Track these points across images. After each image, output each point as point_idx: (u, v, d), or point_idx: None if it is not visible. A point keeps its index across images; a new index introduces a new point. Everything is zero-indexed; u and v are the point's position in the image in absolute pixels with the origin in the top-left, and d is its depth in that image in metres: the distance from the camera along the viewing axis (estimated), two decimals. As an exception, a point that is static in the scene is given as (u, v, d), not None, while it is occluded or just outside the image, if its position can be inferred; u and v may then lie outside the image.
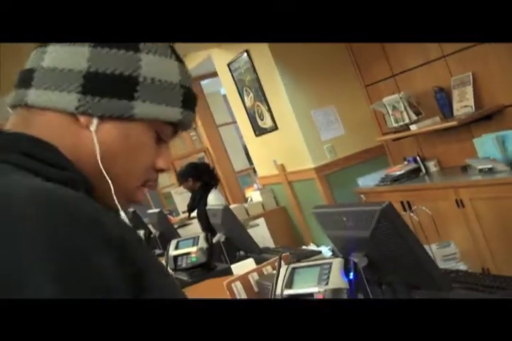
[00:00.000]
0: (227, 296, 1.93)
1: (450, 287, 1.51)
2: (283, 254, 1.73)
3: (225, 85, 5.63)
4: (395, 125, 4.02)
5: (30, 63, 0.75)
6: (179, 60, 0.81)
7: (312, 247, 4.46)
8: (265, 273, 2.03)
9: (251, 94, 5.08)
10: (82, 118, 0.72)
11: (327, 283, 1.49)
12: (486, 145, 3.31)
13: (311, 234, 4.92)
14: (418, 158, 4.11)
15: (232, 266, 2.40)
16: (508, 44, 3.18)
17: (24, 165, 0.64)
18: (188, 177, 4.78)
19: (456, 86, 3.65)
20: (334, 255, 2.76)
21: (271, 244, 4.45)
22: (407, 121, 3.87)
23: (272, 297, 1.60)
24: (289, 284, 1.59)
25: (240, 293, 1.94)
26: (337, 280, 1.48)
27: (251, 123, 5.28)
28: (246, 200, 6.09)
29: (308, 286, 1.53)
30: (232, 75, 5.28)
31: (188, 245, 2.78)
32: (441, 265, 2.06)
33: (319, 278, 1.52)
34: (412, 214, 3.14)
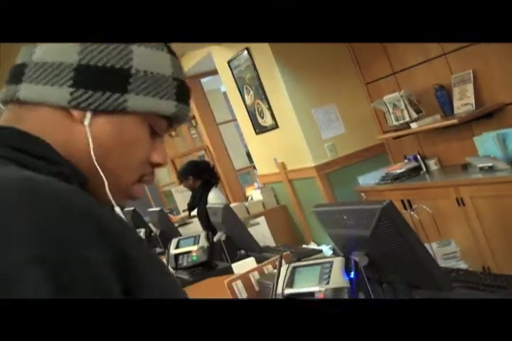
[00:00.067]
0: (228, 295, 1.93)
1: (451, 286, 1.51)
2: (284, 253, 1.73)
3: (225, 83, 5.62)
4: (395, 123, 4.02)
5: (20, 58, 0.74)
6: (171, 52, 0.80)
7: (313, 246, 4.47)
8: (266, 272, 2.03)
9: (251, 92, 5.07)
10: (76, 113, 0.71)
11: (328, 282, 1.49)
12: (487, 143, 3.31)
13: (312, 232, 4.92)
14: (419, 157, 4.11)
15: (233, 265, 2.40)
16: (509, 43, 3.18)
17: (15, 159, 0.64)
18: (189, 176, 4.78)
19: (456, 84, 3.65)
20: (335, 254, 2.76)
21: (271, 243, 4.46)
22: (407, 119, 3.87)
23: (273, 296, 1.61)
24: (290, 283, 1.59)
25: (241, 292, 1.94)
26: (338, 279, 1.48)
27: (251, 121, 5.28)
28: (246, 199, 6.09)
29: (309, 285, 1.53)
30: (232, 73, 5.28)
31: (189, 244, 2.79)
32: (442, 264, 2.06)
33: (320, 277, 1.52)
34: (412, 213, 3.14)
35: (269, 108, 4.83)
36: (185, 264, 2.73)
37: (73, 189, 0.60)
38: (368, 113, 4.65)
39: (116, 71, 0.72)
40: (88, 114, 0.71)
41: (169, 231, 3.65)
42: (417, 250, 1.46)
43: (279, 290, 1.59)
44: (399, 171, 4.05)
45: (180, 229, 4.53)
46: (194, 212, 5.07)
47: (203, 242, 2.74)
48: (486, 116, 3.49)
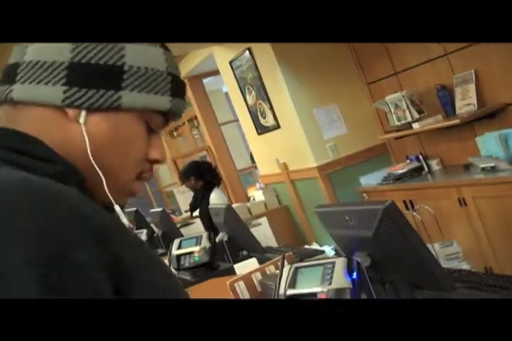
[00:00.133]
0: (230, 296, 1.93)
1: (453, 287, 1.51)
2: (286, 254, 1.72)
3: (227, 83, 5.62)
4: (397, 123, 4.02)
5: (13, 58, 0.74)
6: (164, 47, 0.79)
7: (315, 246, 4.46)
8: (268, 272, 2.03)
9: (253, 92, 5.07)
10: (70, 111, 0.71)
11: (330, 283, 1.49)
12: (489, 143, 3.30)
13: (314, 233, 4.91)
14: (420, 157, 4.11)
15: (235, 266, 2.39)
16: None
17: (11, 160, 0.64)
18: (191, 176, 4.78)
19: (458, 84, 3.65)
20: (337, 254, 2.76)
21: (273, 243, 4.45)
22: (409, 119, 3.87)
23: (275, 297, 1.60)
24: (292, 284, 1.59)
25: (243, 293, 1.94)
26: (340, 279, 1.48)
27: (253, 121, 5.28)
28: (248, 199, 6.09)
29: (311, 286, 1.53)
30: (234, 73, 5.28)
31: (191, 244, 2.78)
32: (444, 264, 2.06)
33: (322, 277, 1.52)
34: (414, 213, 3.14)
35: (271, 108, 4.83)
36: (187, 265, 2.73)
37: (69, 191, 0.60)
38: (370, 113, 4.65)
39: (109, 68, 0.72)
40: (83, 112, 0.71)
41: (171, 232, 3.65)
42: (419, 250, 1.46)
43: (282, 291, 1.59)
44: (401, 171, 4.04)
45: (182, 230, 4.53)
46: (196, 213, 5.07)
47: (205, 243, 2.74)
48: (488, 117, 3.48)
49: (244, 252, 2.90)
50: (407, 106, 3.84)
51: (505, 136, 3.21)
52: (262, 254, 2.74)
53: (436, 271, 1.48)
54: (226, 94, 7.34)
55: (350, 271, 1.49)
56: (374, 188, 4.26)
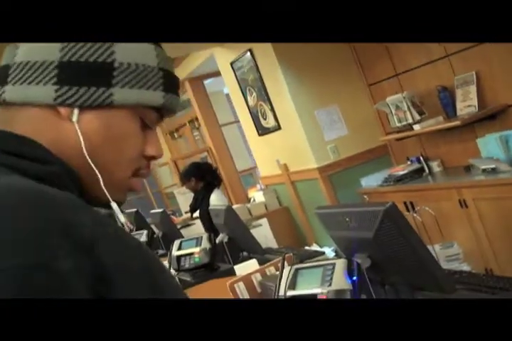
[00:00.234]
0: (230, 297, 1.93)
1: (453, 288, 1.51)
2: (286, 255, 1.72)
3: (228, 84, 5.62)
4: (398, 125, 4.02)
5: (4, 60, 0.74)
6: (156, 43, 0.79)
7: (315, 248, 4.46)
8: (268, 273, 2.03)
9: (254, 94, 5.08)
10: (63, 110, 0.71)
11: (330, 284, 1.48)
12: (490, 145, 3.30)
13: (314, 234, 4.91)
14: (421, 158, 4.11)
15: (235, 267, 2.39)
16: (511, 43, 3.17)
17: (7, 163, 0.63)
18: (191, 177, 4.77)
19: (459, 85, 3.64)
20: (337, 256, 2.76)
21: (274, 245, 4.45)
22: (410, 120, 3.87)
23: (275, 298, 1.60)
24: (292, 285, 1.59)
25: (243, 294, 1.93)
26: (340, 281, 1.48)
27: (254, 122, 5.28)
28: (249, 200, 6.09)
29: (311, 287, 1.52)
30: (235, 74, 5.28)
31: (191, 245, 2.78)
32: (445, 265, 2.06)
33: (322, 279, 1.51)
34: (415, 215, 3.14)
35: (272, 109, 4.83)
36: (187, 266, 2.72)
37: (63, 196, 0.59)
38: (371, 114, 4.65)
39: (99, 65, 0.72)
40: (75, 111, 0.71)
41: (171, 233, 3.65)
42: (420, 252, 1.46)
43: (282, 292, 1.58)
44: (401, 173, 4.04)
45: (183, 231, 4.53)
46: (196, 214, 5.07)
47: (205, 244, 2.73)
48: (488, 118, 3.48)
49: (245, 253, 2.89)
50: (408, 108, 3.84)
51: (506, 138, 3.21)
52: (262, 255, 2.74)
53: (437, 273, 1.48)
54: (227, 95, 7.35)
55: (350, 273, 1.49)
56: (375, 189, 4.26)
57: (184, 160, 8.10)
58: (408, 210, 3.72)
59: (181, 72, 6.34)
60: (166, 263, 2.75)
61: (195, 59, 5.97)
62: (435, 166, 4.10)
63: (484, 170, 3.27)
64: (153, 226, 4.00)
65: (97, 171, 0.71)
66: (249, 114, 5.30)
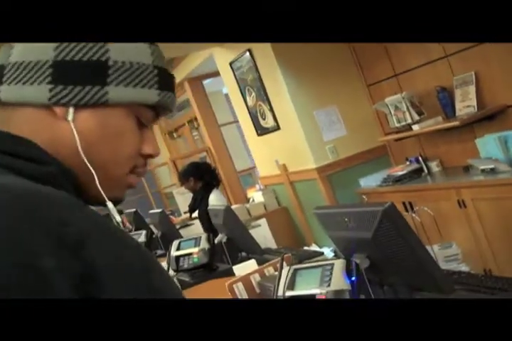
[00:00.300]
0: (229, 297, 1.92)
1: (452, 288, 1.51)
2: (285, 255, 1.72)
3: (227, 84, 5.62)
4: (397, 125, 4.02)
5: None
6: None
7: (314, 248, 4.46)
8: (267, 274, 2.02)
9: (253, 94, 5.08)
10: (58, 109, 0.71)
11: (329, 285, 1.48)
12: (489, 145, 3.30)
13: (313, 234, 4.91)
14: (420, 159, 4.11)
15: (234, 267, 2.39)
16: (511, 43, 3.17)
17: (3, 163, 0.63)
18: (190, 177, 4.77)
19: (458, 85, 3.65)
20: (336, 256, 2.76)
21: (273, 245, 4.45)
22: (409, 121, 3.87)
23: (274, 298, 1.60)
24: (291, 285, 1.59)
25: (242, 294, 1.93)
26: (339, 281, 1.48)
27: (253, 122, 5.28)
28: (248, 200, 6.09)
29: (310, 288, 1.52)
30: (234, 74, 5.28)
31: (190, 246, 2.78)
32: (443, 266, 2.06)
33: (321, 279, 1.51)
34: (414, 215, 3.14)
35: (271, 109, 4.83)
36: (186, 266, 2.72)
37: (57, 195, 0.59)
38: (370, 115, 4.65)
39: (93, 64, 0.72)
40: (70, 110, 0.71)
41: (170, 233, 3.65)
42: (419, 252, 1.46)
43: (280, 293, 1.58)
44: (400, 173, 4.05)
45: (182, 231, 4.53)
46: (195, 214, 5.07)
47: (204, 244, 2.73)
48: (487, 118, 3.49)
49: (243, 253, 2.89)
50: (407, 108, 3.84)
51: (505, 138, 3.21)
52: (261, 256, 2.74)
53: (436, 273, 1.48)
54: (226, 95, 7.35)
55: (349, 273, 1.49)
56: (373, 190, 4.27)
57: (183, 160, 8.09)
58: (407, 210, 3.72)
59: (180, 72, 6.34)
60: (164, 263, 2.75)
61: (194, 59, 5.97)
62: (434, 166, 4.10)
63: (483, 171, 3.27)
64: (152, 227, 4.00)
65: (92, 170, 0.71)
66: (248, 114, 5.30)
